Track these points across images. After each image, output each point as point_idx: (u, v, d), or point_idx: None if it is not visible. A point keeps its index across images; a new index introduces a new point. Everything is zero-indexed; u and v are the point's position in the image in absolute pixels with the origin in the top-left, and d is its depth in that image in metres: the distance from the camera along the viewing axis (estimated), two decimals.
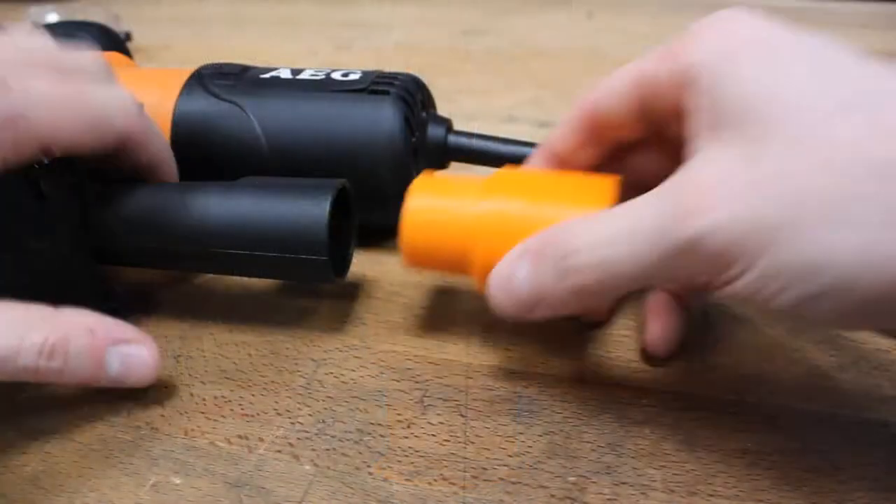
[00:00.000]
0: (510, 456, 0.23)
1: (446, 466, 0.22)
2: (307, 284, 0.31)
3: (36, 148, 0.23)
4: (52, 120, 0.23)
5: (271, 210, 0.25)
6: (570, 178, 0.24)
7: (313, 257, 0.25)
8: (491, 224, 0.23)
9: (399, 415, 0.24)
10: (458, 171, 0.34)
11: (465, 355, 0.27)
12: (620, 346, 0.27)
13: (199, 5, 0.81)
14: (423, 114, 0.31)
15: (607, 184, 0.23)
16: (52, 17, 0.63)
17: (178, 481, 0.22)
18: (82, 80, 0.25)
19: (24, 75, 0.23)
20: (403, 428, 0.24)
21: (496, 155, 0.31)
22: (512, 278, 0.21)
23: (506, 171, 0.25)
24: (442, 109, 0.34)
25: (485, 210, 0.24)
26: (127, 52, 0.43)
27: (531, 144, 0.31)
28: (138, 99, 0.29)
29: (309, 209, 0.25)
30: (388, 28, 0.69)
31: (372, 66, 0.32)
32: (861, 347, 0.26)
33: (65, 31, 0.41)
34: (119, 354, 0.23)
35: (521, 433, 0.23)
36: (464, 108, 0.49)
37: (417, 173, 0.30)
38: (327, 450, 0.23)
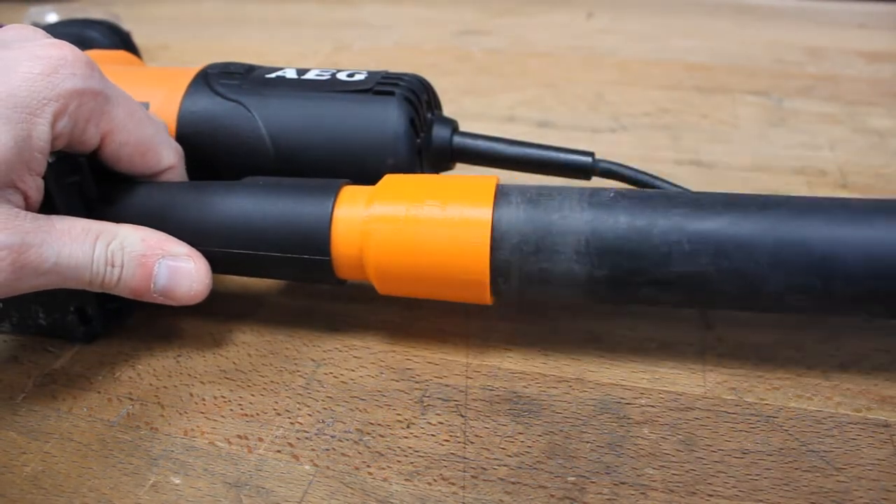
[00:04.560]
0: (510, 456, 0.23)
1: (446, 466, 0.22)
2: (309, 284, 0.31)
3: (99, 131, 0.24)
4: (123, 117, 0.25)
5: (274, 210, 0.25)
6: (453, 179, 0.25)
7: (316, 257, 0.25)
8: (378, 227, 0.24)
9: (398, 415, 0.24)
10: (462, 173, 0.34)
11: (464, 355, 0.27)
12: (620, 346, 0.27)
13: (199, 5, 0.81)
14: (429, 115, 0.31)
15: (488, 183, 0.24)
16: (52, 17, 0.63)
17: (177, 481, 0.22)
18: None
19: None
20: (403, 428, 0.24)
21: (501, 156, 0.31)
22: None
23: (393, 176, 0.26)
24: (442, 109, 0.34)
25: (371, 214, 0.24)
26: (135, 50, 0.43)
27: (536, 146, 0.31)
28: (144, 97, 0.29)
29: (312, 209, 0.25)
30: (388, 28, 0.69)
31: (372, 66, 0.32)
32: (861, 347, 0.26)
33: (74, 28, 0.41)
34: (167, 266, 0.25)
35: (520, 433, 0.23)
36: (464, 108, 0.49)
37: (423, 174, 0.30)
38: (327, 450, 0.23)
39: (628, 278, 0.23)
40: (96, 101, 0.23)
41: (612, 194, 0.23)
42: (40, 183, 0.23)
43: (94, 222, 0.24)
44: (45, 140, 0.22)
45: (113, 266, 0.24)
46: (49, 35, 0.25)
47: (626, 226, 0.23)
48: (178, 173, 0.28)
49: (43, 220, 0.23)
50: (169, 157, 0.27)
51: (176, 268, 0.25)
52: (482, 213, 0.23)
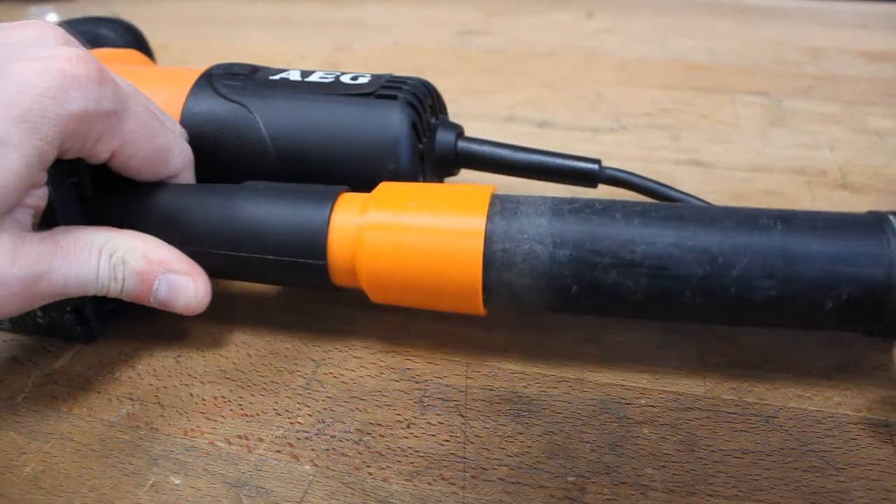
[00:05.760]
0: (510, 456, 0.23)
1: (446, 466, 0.22)
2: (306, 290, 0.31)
3: (109, 148, 0.24)
4: (135, 131, 0.24)
5: (272, 213, 0.25)
6: (448, 188, 0.25)
7: (312, 261, 0.25)
8: (371, 234, 0.24)
9: (398, 415, 0.24)
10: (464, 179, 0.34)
11: (464, 355, 0.27)
12: (620, 346, 0.27)
13: (199, 5, 0.81)
14: (433, 119, 0.31)
15: (483, 192, 0.24)
16: (52, 17, 0.63)
17: (177, 481, 0.22)
18: (158, 113, 0.27)
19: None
20: (403, 428, 0.24)
21: (506, 162, 0.31)
22: None
23: (389, 184, 0.26)
24: None
25: (364, 221, 0.24)
26: (148, 50, 0.42)
27: (542, 152, 0.31)
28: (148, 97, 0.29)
29: (310, 214, 0.25)
30: (388, 28, 0.69)
31: (372, 66, 0.32)
32: (861, 347, 0.26)
33: (87, 27, 0.41)
34: (167, 283, 0.25)
35: (520, 433, 0.23)
36: (464, 108, 0.49)
37: (425, 179, 0.30)
38: (327, 450, 0.23)
39: (592, 259, 0.23)
40: (108, 121, 0.23)
41: (571, 198, 0.24)
42: (45, 190, 0.23)
43: (97, 232, 0.24)
44: (51, 159, 0.22)
45: (115, 280, 0.24)
46: (69, 37, 0.24)
47: (586, 214, 0.23)
48: (184, 178, 0.28)
49: (48, 239, 0.23)
50: (176, 163, 0.27)
51: (176, 285, 0.25)
52: (476, 223, 0.23)
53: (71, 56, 0.22)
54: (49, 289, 0.23)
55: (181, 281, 0.25)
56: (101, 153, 0.24)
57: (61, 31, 0.24)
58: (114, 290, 0.24)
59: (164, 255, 0.25)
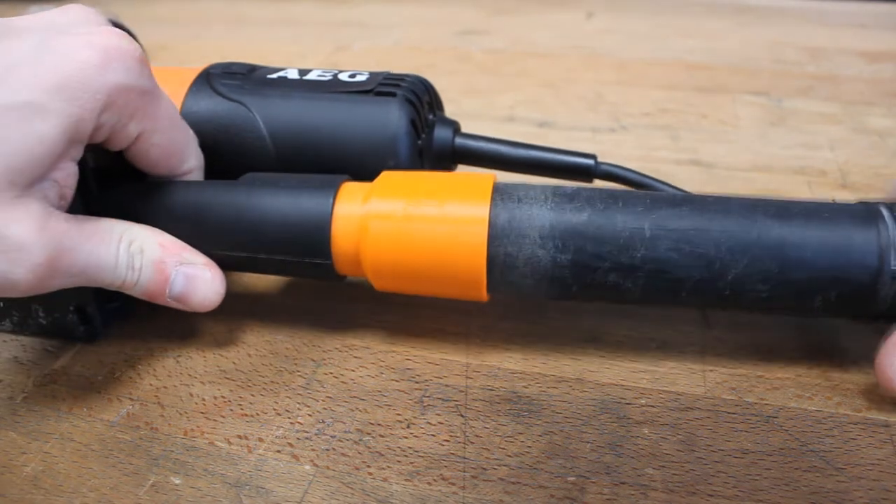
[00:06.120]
0: (510, 456, 0.23)
1: (446, 466, 0.22)
2: (309, 281, 0.31)
3: (139, 128, 0.24)
4: (163, 118, 0.25)
5: (273, 212, 0.25)
6: (450, 177, 0.25)
7: (318, 261, 0.25)
8: (374, 223, 0.24)
9: (398, 415, 0.24)
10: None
11: (464, 355, 0.27)
12: (620, 346, 0.27)
13: (199, 5, 0.81)
14: (431, 116, 0.31)
15: (485, 181, 0.24)
16: None
17: (177, 481, 0.22)
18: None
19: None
20: (403, 428, 0.24)
21: (503, 158, 0.31)
22: None
23: (391, 173, 0.26)
24: None
25: (367, 211, 0.24)
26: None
27: (538, 147, 0.31)
28: None
29: (312, 209, 0.25)
30: (388, 28, 0.69)
31: (372, 66, 0.32)
32: (861, 347, 0.26)
33: None
34: (184, 274, 0.25)
35: (520, 433, 0.23)
36: (464, 108, 0.49)
37: None
38: (327, 450, 0.23)
39: (592, 263, 0.23)
40: (143, 98, 0.23)
41: (573, 189, 0.24)
42: (75, 169, 0.23)
43: (116, 222, 0.24)
44: (88, 131, 0.22)
45: (132, 269, 0.24)
46: (107, 20, 0.25)
47: (588, 214, 0.23)
48: (193, 179, 0.28)
49: (73, 220, 0.23)
50: (190, 163, 0.27)
51: (192, 276, 0.25)
52: (479, 211, 0.23)
53: (114, 33, 0.23)
54: (70, 267, 0.22)
55: (197, 272, 0.25)
56: (130, 132, 0.24)
57: (101, 14, 0.25)
58: (130, 280, 0.24)
59: (180, 245, 0.25)
